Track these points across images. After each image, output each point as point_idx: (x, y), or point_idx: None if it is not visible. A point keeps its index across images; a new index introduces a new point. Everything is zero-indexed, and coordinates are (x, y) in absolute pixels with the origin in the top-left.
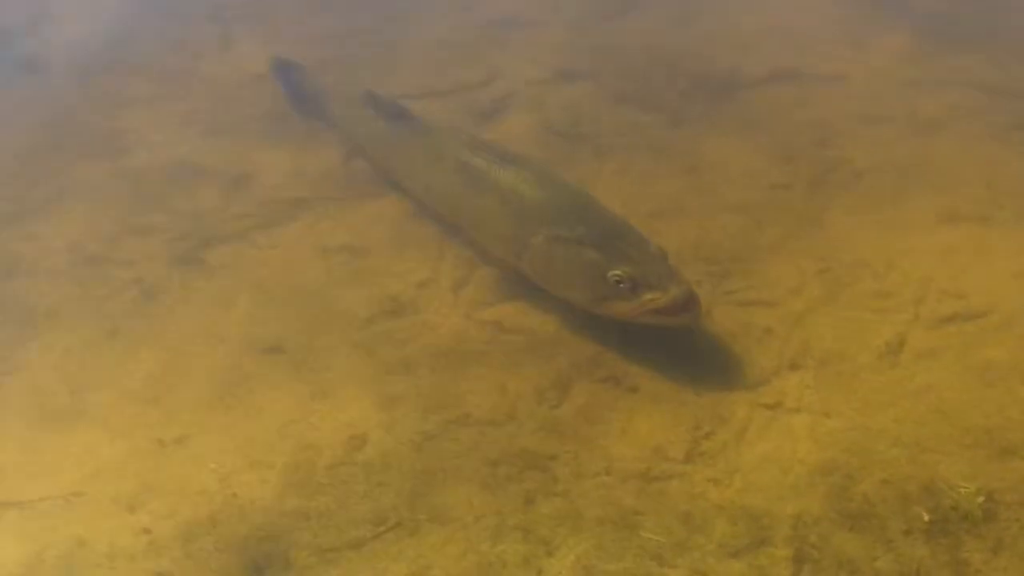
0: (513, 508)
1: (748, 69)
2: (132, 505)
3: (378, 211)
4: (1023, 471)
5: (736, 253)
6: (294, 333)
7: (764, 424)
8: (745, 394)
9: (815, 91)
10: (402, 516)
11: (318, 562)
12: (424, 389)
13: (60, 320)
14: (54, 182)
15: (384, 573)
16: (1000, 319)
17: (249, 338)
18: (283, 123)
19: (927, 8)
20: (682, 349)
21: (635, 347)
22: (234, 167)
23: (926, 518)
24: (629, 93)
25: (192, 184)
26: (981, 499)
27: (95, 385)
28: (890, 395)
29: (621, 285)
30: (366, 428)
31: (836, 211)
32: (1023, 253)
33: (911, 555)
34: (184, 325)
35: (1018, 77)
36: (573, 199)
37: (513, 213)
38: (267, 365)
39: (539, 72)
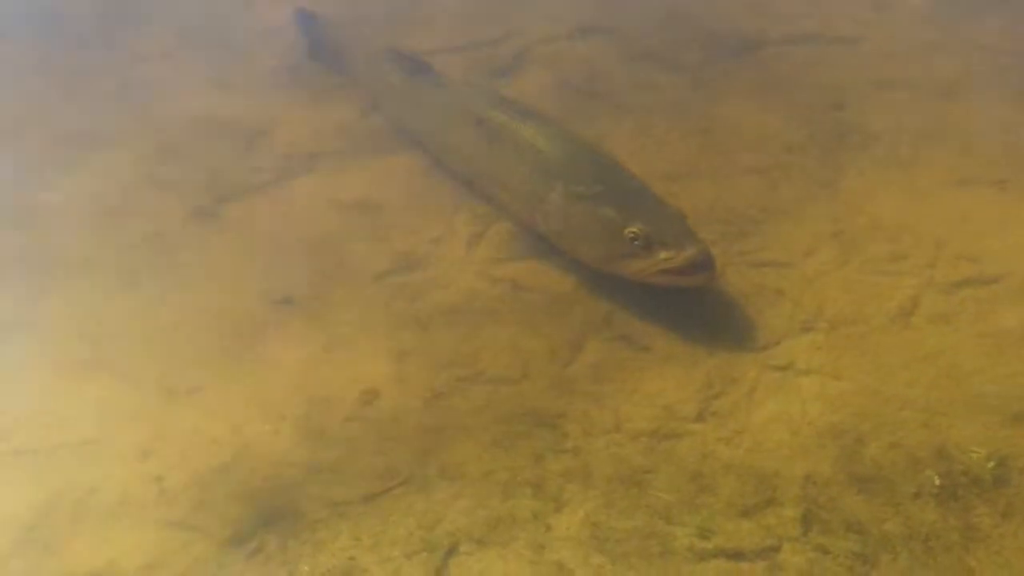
0: (523, 465)
1: (766, 29)
2: (145, 454)
3: (394, 166)
4: None
5: (750, 214)
6: (308, 286)
7: (775, 385)
8: (756, 355)
9: (832, 53)
10: (412, 471)
11: (329, 515)
12: (437, 345)
13: (77, 271)
14: (73, 133)
15: (394, 527)
16: (1015, 284)
17: (264, 291)
18: (301, 77)
19: None
20: (694, 309)
21: (648, 307)
22: (251, 121)
23: (937, 482)
24: (646, 52)
25: (210, 137)
26: (992, 464)
27: (110, 335)
28: (902, 358)
29: (636, 243)
30: (378, 383)
31: (851, 174)
32: None
33: (920, 518)
34: (200, 277)
35: None
36: (592, 156)
37: (531, 168)
38: (281, 317)
39: (556, 29)
